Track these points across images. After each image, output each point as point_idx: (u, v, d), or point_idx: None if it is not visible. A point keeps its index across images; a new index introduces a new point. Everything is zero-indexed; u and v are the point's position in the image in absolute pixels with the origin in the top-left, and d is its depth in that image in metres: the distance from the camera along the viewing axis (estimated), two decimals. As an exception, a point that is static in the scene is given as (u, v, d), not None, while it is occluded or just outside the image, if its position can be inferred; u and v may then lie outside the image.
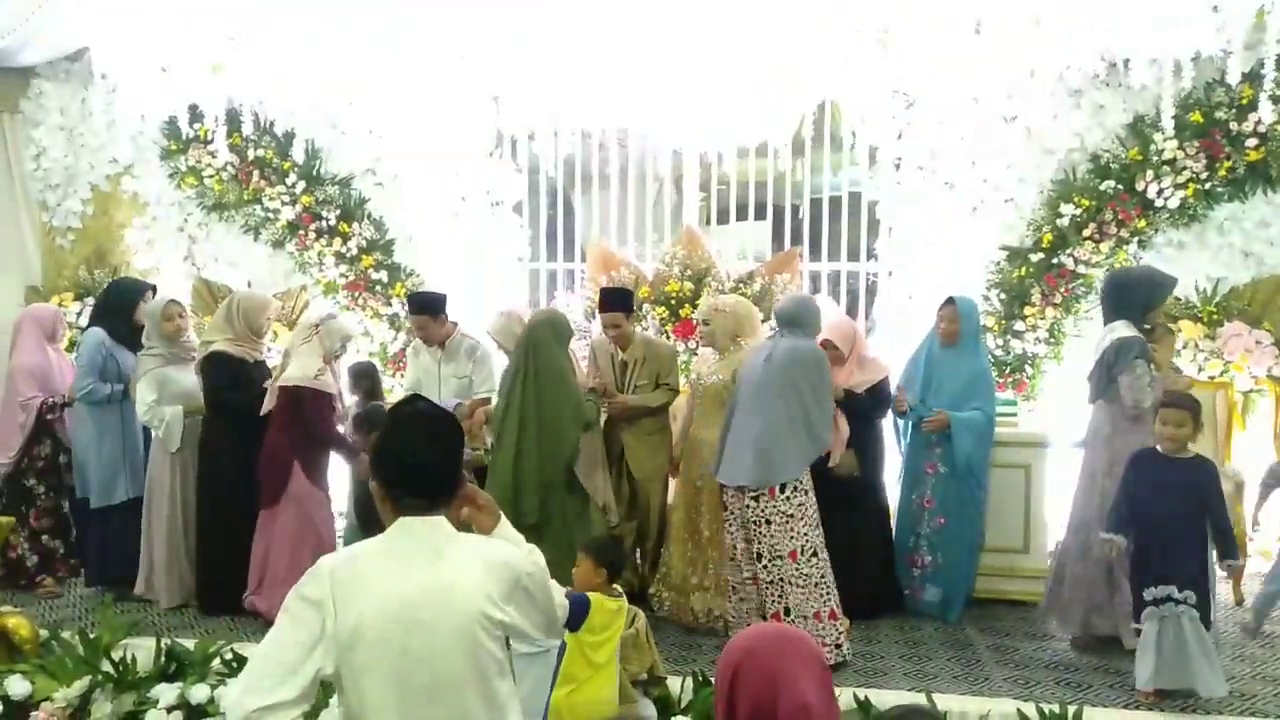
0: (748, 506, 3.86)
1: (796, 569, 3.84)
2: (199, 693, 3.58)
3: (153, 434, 4.54)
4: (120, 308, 4.80)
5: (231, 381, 4.39)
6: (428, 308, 4.77)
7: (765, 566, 3.85)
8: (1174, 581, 3.46)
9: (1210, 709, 3.55)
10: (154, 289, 4.96)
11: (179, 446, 4.50)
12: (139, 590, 4.59)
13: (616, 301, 4.61)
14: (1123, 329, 3.96)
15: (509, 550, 1.95)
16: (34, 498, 4.78)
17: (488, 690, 1.82)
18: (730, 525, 4.01)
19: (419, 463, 1.87)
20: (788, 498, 3.83)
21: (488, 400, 4.62)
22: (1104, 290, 4.22)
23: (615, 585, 3.17)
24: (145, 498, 4.58)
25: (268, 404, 4.33)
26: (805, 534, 3.86)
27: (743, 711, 1.63)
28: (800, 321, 4.04)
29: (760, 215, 6.57)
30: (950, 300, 4.49)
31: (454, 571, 1.81)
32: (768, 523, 3.83)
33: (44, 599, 4.73)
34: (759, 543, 3.86)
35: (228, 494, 4.37)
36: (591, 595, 3.01)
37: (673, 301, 5.83)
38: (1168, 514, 3.52)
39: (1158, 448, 3.61)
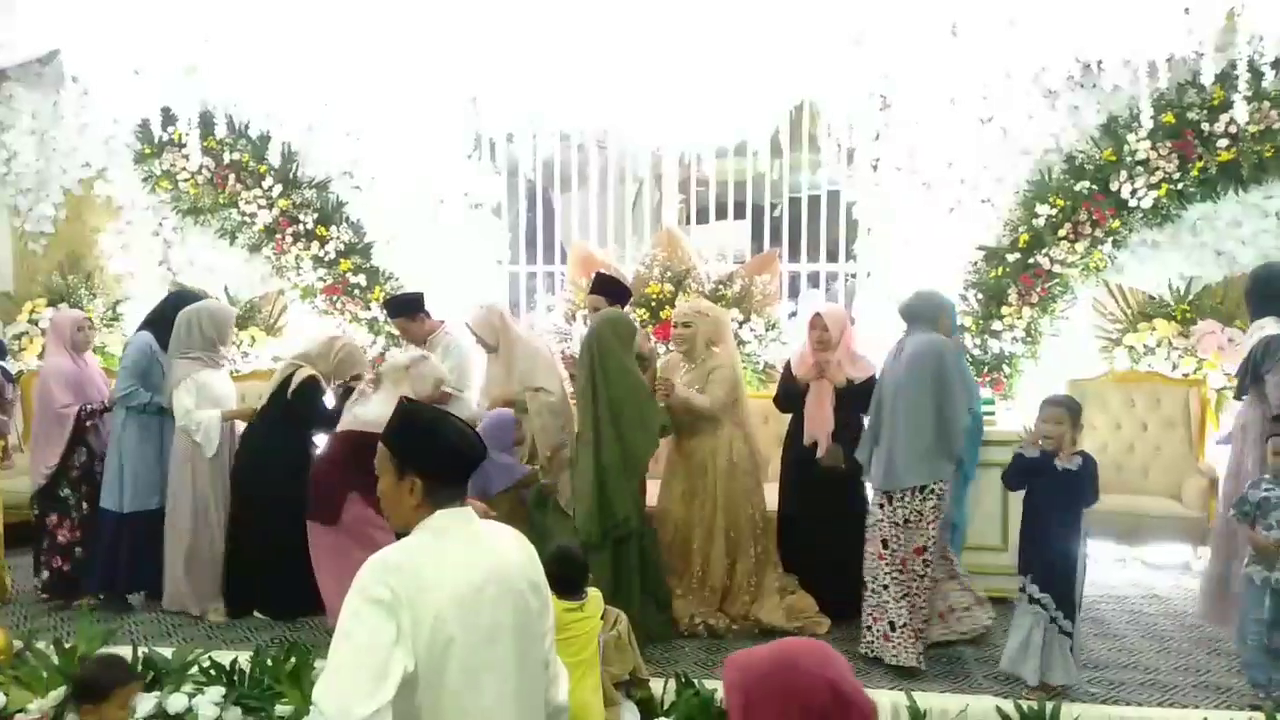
0: (892, 508, 3.92)
1: (919, 566, 3.92)
2: (176, 702, 3.54)
3: (174, 443, 4.48)
4: (169, 318, 4.65)
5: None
6: (403, 310, 4.90)
7: (901, 567, 3.92)
8: (1033, 575, 3.58)
9: (1188, 702, 3.61)
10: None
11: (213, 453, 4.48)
12: (167, 604, 4.56)
13: (602, 286, 4.68)
14: (1272, 325, 3.87)
15: (519, 533, 2.03)
16: (68, 508, 4.65)
17: (542, 653, 1.94)
18: (872, 529, 3.99)
19: (467, 453, 1.91)
20: (923, 498, 3.87)
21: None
22: (1249, 285, 4.14)
23: (585, 590, 3.14)
24: (168, 507, 4.51)
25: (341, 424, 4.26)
26: (931, 536, 3.90)
27: None
28: (919, 315, 4.00)
29: (739, 215, 6.59)
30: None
31: (496, 548, 1.91)
32: (903, 524, 3.89)
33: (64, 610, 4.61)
34: (895, 544, 3.91)
35: (271, 502, 4.34)
36: None
37: (653, 303, 5.83)
38: (1040, 511, 3.62)
39: (1040, 446, 3.69)
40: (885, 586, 3.92)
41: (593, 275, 4.88)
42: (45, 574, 4.68)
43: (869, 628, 3.97)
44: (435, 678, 1.74)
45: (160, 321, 4.69)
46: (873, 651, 3.95)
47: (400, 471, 1.87)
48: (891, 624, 3.90)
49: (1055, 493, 3.59)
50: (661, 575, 4.30)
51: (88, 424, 4.68)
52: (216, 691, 3.58)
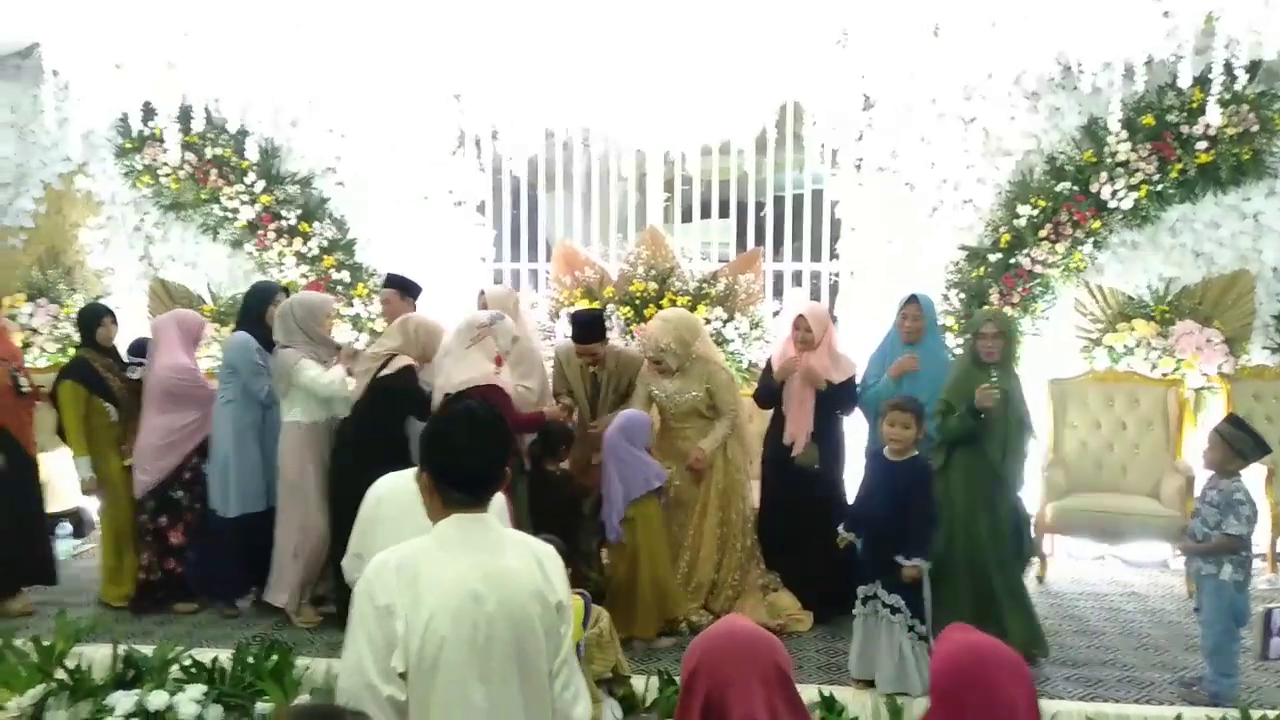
0: None
1: None
2: (156, 699, 3.52)
3: (281, 441, 4.31)
4: (254, 311, 4.54)
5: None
6: (398, 283, 4.86)
7: None
8: (882, 580, 3.60)
9: (1164, 699, 3.65)
10: (286, 290, 4.75)
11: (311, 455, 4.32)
12: (279, 601, 4.39)
13: (591, 333, 4.49)
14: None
15: (551, 548, 1.99)
16: (180, 510, 4.50)
17: (548, 670, 1.88)
18: None
19: (472, 461, 1.88)
20: None
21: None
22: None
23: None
24: (280, 504, 4.36)
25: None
26: None
27: (698, 714, 1.63)
28: None
29: (724, 214, 6.60)
30: (913, 298, 4.50)
31: (512, 563, 1.86)
32: None
33: (182, 615, 4.50)
34: None
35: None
36: None
37: (637, 301, 5.84)
38: (881, 514, 3.64)
39: (885, 449, 3.71)
40: None
41: (572, 326, 4.66)
42: (157, 575, 4.51)
43: None
44: (424, 682, 1.76)
45: (249, 317, 4.55)
46: None
47: (420, 466, 1.92)
48: None
49: (898, 496, 3.59)
50: None
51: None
52: (197, 689, 3.57)
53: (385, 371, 4.19)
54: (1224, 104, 5.12)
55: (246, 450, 4.43)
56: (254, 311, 4.58)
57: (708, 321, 5.66)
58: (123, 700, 3.54)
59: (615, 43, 5.32)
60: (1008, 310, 5.59)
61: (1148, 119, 5.37)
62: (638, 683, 3.59)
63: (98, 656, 3.83)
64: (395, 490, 2.55)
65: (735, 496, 4.42)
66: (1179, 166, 5.37)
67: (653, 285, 5.85)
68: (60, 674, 3.68)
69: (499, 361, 4.20)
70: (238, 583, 4.57)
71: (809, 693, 3.51)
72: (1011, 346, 4.07)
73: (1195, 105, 5.25)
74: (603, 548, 4.68)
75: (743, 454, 4.49)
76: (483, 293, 4.63)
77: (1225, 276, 5.56)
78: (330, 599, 4.37)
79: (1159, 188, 5.43)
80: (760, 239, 6.42)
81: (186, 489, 4.53)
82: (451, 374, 4.09)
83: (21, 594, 4.60)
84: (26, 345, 6.03)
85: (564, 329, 5.86)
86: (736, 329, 5.82)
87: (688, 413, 4.40)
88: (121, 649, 3.81)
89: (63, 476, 5.06)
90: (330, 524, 4.28)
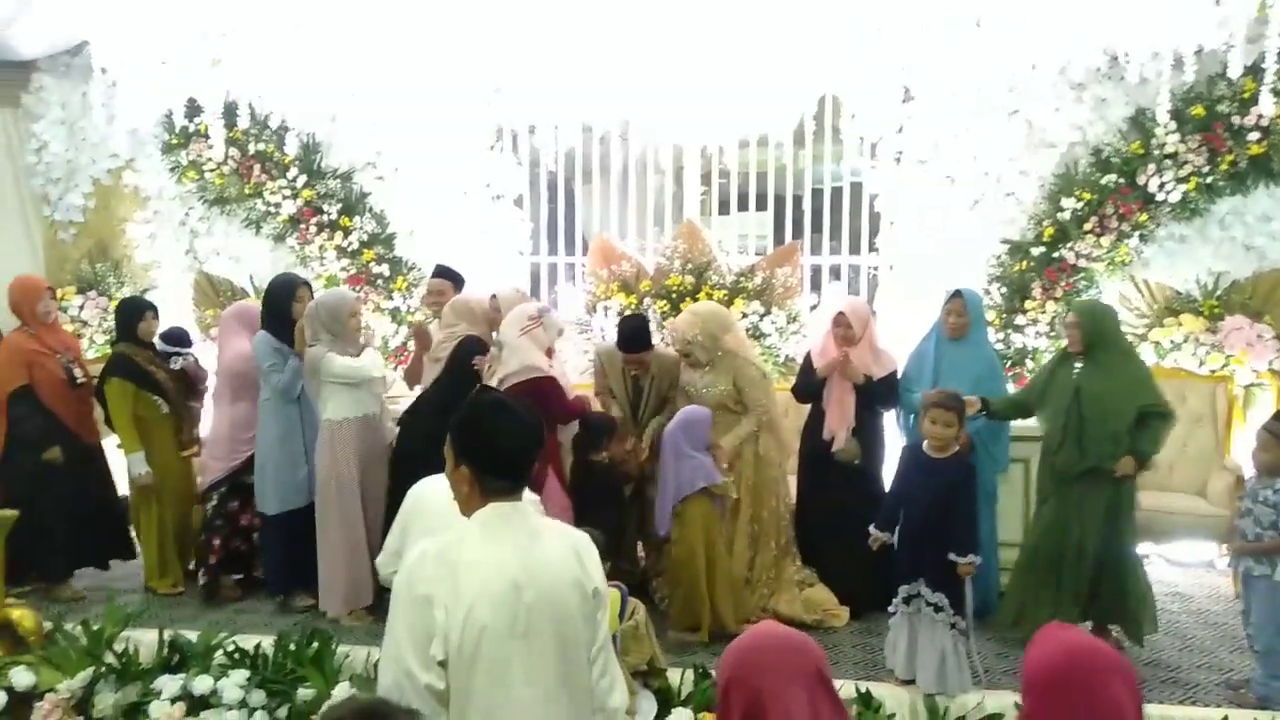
0: None
1: None
2: (201, 684, 3.60)
3: (319, 440, 4.30)
4: (275, 306, 4.48)
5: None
6: (450, 275, 5.01)
7: None
8: (925, 578, 3.55)
9: (1210, 701, 3.59)
10: (308, 284, 4.63)
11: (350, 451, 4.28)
12: (331, 610, 4.37)
13: (640, 341, 4.43)
14: None
15: (586, 536, 2.02)
16: (251, 495, 4.53)
17: (586, 657, 1.90)
18: None
19: (510, 446, 1.90)
20: None
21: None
22: None
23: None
24: (318, 505, 4.31)
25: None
26: None
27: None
28: None
29: (761, 206, 6.57)
30: (957, 293, 4.43)
31: (550, 552, 1.88)
32: None
33: (227, 602, 4.59)
34: None
35: None
36: None
37: (674, 295, 5.83)
38: (921, 512, 3.58)
39: (924, 445, 3.65)
40: None
41: (619, 337, 4.56)
42: (222, 554, 4.57)
43: None
44: (465, 671, 1.78)
45: (269, 314, 4.51)
46: None
47: (456, 459, 1.91)
48: None
49: (939, 493, 3.54)
50: None
51: None
52: (241, 675, 3.64)
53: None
54: (1277, 94, 4.98)
55: (285, 446, 4.43)
56: (273, 309, 4.50)
57: (744, 316, 5.65)
58: (169, 684, 3.62)
59: (653, 36, 5.31)
60: (1050, 304, 5.50)
61: (1197, 110, 5.25)
62: (673, 675, 3.59)
63: (145, 641, 3.91)
64: (437, 493, 2.48)
65: (767, 493, 4.39)
66: (1229, 158, 5.24)
67: (689, 279, 5.84)
68: (109, 658, 3.77)
69: (549, 354, 4.21)
70: (285, 580, 4.57)
71: (846, 689, 3.50)
72: (1096, 336, 3.96)
73: (1247, 95, 5.12)
74: (639, 541, 4.71)
75: (777, 449, 4.46)
76: (494, 296, 4.58)
77: (1277, 270, 5.41)
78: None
79: (1209, 180, 5.30)
80: (798, 232, 6.38)
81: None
82: (507, 362, 4.09)
83: (70, 581, 4.72)
84: (76, 336, 6.17)
85: (600, 322, 5.88)
86: (774, 323, 5.79)
87: (715, 406, 4.37)
88: (167, 634, 3.89)
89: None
90: (386, 515, 4.16)
